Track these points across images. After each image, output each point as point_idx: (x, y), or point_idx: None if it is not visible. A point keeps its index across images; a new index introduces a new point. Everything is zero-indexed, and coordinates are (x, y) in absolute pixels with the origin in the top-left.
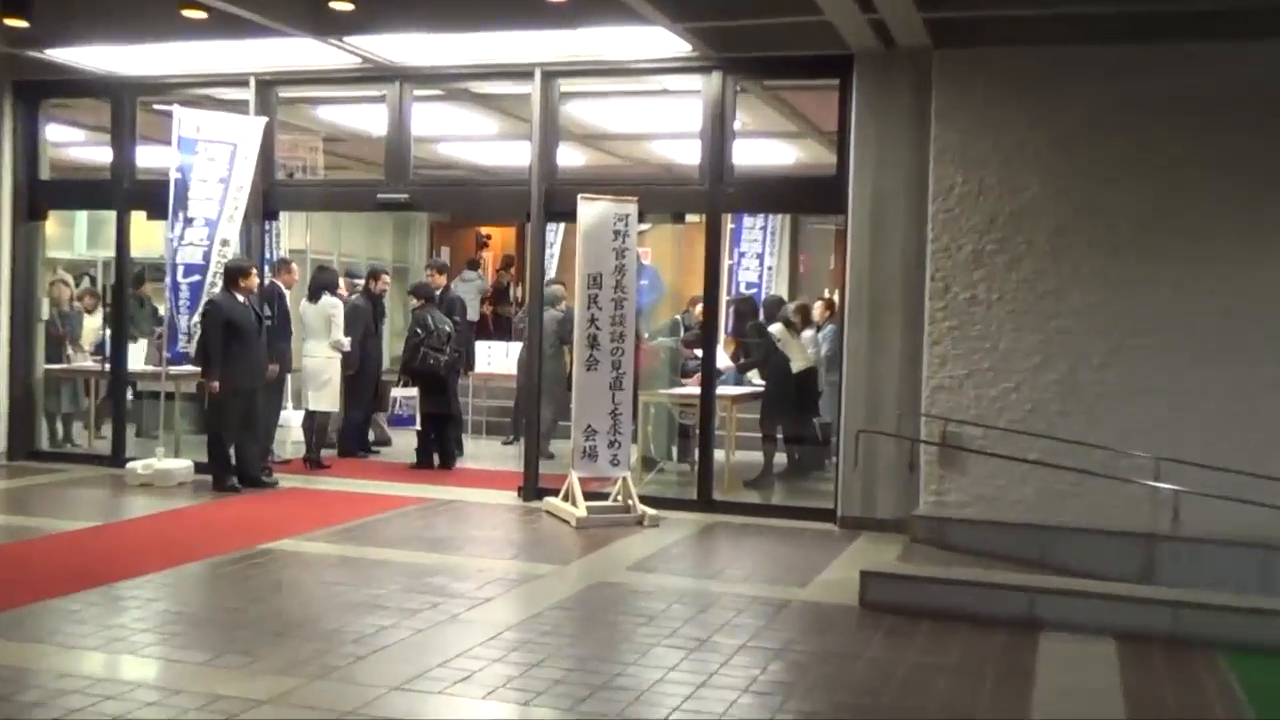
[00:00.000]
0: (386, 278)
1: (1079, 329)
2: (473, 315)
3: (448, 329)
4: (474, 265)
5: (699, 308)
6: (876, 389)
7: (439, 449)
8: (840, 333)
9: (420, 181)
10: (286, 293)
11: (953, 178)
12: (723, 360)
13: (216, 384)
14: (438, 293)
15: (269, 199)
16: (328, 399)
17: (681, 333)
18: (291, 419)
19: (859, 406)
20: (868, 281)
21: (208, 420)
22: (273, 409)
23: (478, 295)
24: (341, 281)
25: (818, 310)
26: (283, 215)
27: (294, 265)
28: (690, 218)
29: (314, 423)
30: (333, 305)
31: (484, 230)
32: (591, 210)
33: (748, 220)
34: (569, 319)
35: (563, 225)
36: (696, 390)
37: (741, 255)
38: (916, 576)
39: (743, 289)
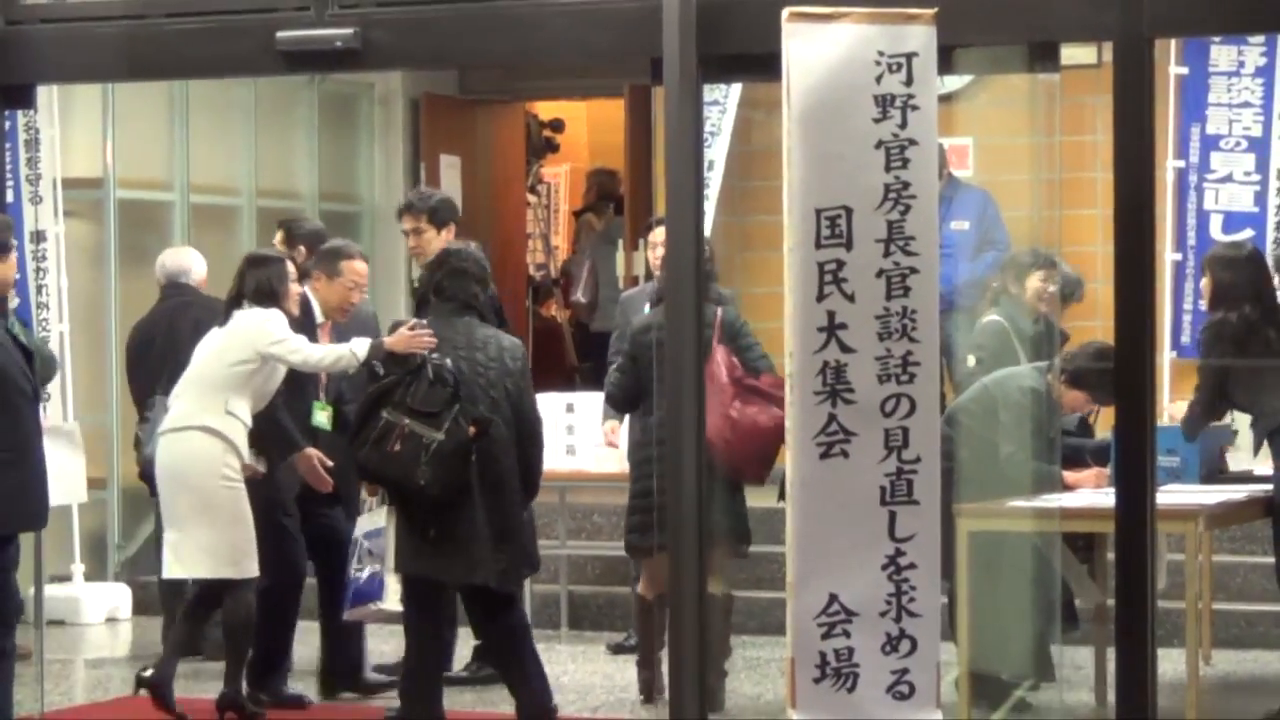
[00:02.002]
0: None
1: None
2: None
3: (492, 363)
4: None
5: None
6: None
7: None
8: None
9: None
10: (316, 308)
11: None
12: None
13: None
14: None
15: (9, 57)
16: (219, 553)
17: (1054, 354)
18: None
19: None
20: None
21: None
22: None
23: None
24: (290, 270)
25: None
26: (46, 95)
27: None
28: (1074, 55)
29: (197, 621)
30: (264, 320)
31: (540, 113)
32: (821, 47)
33: (1223, 57)
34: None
35: (735, 91)
36: (1101, 499)
37: (1211, 147)
38: None
39: (1218, 235)
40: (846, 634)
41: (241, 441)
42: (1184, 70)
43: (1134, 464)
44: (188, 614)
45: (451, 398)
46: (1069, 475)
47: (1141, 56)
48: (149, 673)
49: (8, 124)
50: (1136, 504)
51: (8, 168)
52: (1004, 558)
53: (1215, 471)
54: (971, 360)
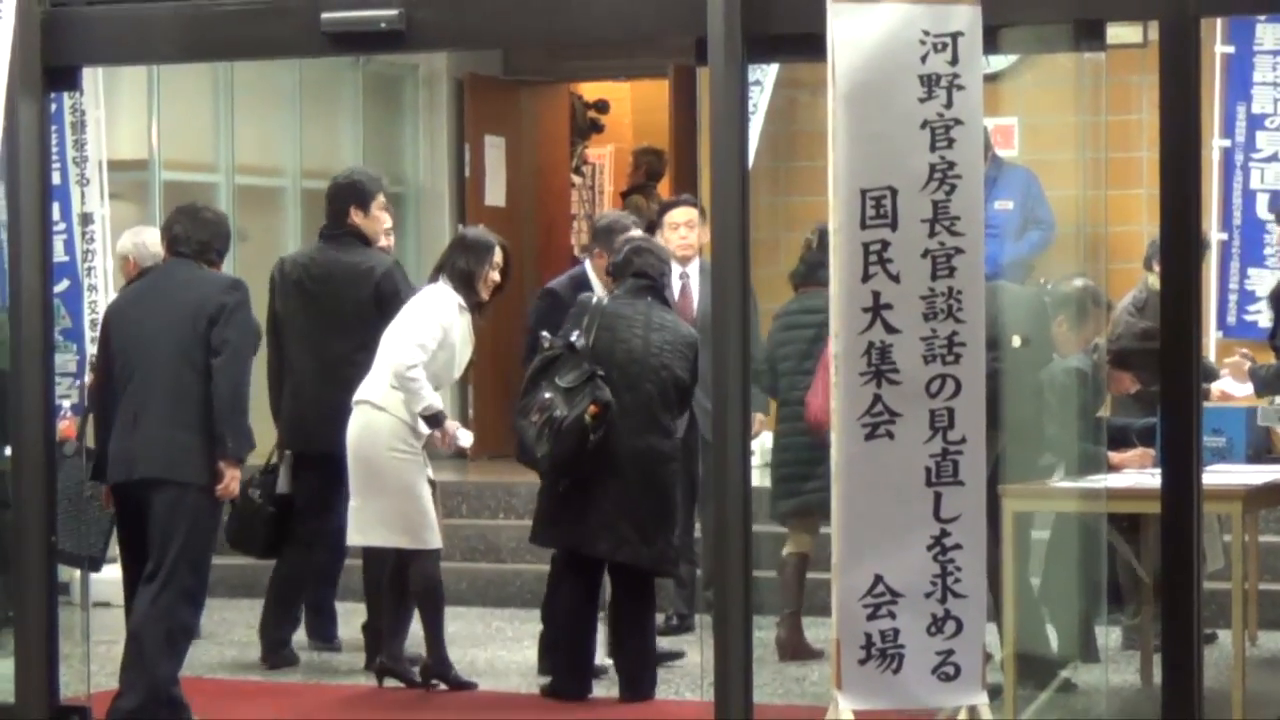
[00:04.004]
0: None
1: None
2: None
3: (666, 345)
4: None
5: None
6: None
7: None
8: None
9: None
10: (595, 281)
11: None
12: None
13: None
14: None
15: (55, 39)
16: (392, 523)
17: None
18: None
19: None
20: None
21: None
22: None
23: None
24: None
25: None
26: (92, 77)
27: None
28: (1119, 34)
29: (397, 590)
30: (432, 315)
31: (585, 93)
32: (866, 27)
33: (1268, 36)
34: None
35: (773, 69)
36: (1147, 480)
37: (1257, 126)
38: None
39: (1263, 214)
40: (892, 615)
41: (412, 415)
42: (1230, 49)
43: (1180, 444)
44: (389, 584)
45: (589, 376)
46: (1114, 456)
47: (1187, 35)
48: (381, 661)
49: (53, 106)
50: (1182, 484)
51: (54, 150)
52: (1055, 542)
53: (1262, 451)
54: (1017, 341)
